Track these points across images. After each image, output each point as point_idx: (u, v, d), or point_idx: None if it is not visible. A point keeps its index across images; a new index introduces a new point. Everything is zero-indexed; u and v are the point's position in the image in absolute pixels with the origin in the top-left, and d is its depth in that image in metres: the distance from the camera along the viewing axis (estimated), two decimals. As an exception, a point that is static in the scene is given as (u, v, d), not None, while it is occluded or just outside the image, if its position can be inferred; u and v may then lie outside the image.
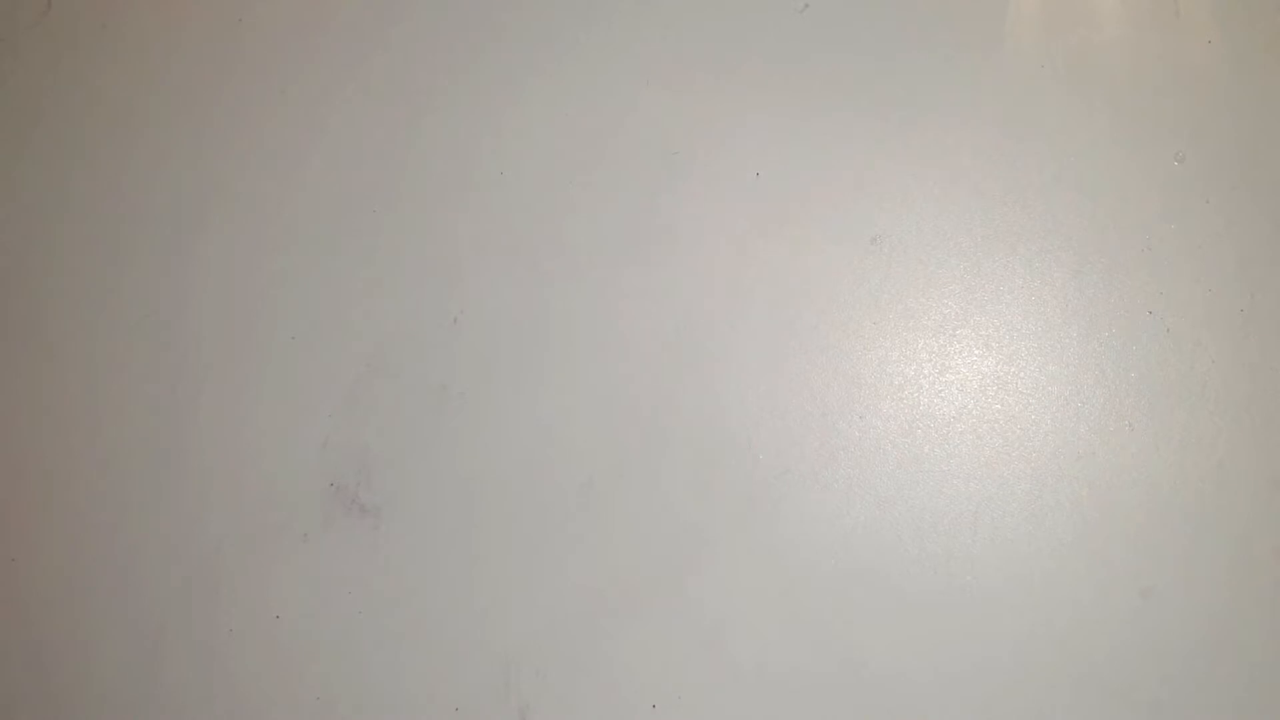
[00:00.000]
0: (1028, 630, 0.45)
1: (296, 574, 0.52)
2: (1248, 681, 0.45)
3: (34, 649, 0.55)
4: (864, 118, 0.47)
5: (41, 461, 0.55)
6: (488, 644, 0.51)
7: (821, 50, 0.48)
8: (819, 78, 0.48)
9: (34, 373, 0.55)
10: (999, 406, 0.46)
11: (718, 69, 0.48)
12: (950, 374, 0.47)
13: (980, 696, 0.45)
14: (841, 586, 0.46)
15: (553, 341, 0.50)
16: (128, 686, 0.54)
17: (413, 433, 0.51)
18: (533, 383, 0.50)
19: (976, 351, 0.47)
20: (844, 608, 0.46)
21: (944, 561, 0.45)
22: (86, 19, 0.54)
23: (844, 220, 0.47)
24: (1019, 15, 0.46)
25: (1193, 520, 0.46)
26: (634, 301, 0.49)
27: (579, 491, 0.49)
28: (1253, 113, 0.45)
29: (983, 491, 0.45)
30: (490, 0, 0.50)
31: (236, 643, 0.53)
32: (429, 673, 0.52)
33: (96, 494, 0.54)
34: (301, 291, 0.52)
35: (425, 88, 0.51)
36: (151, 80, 0.54)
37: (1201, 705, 0.46)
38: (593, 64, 0.49)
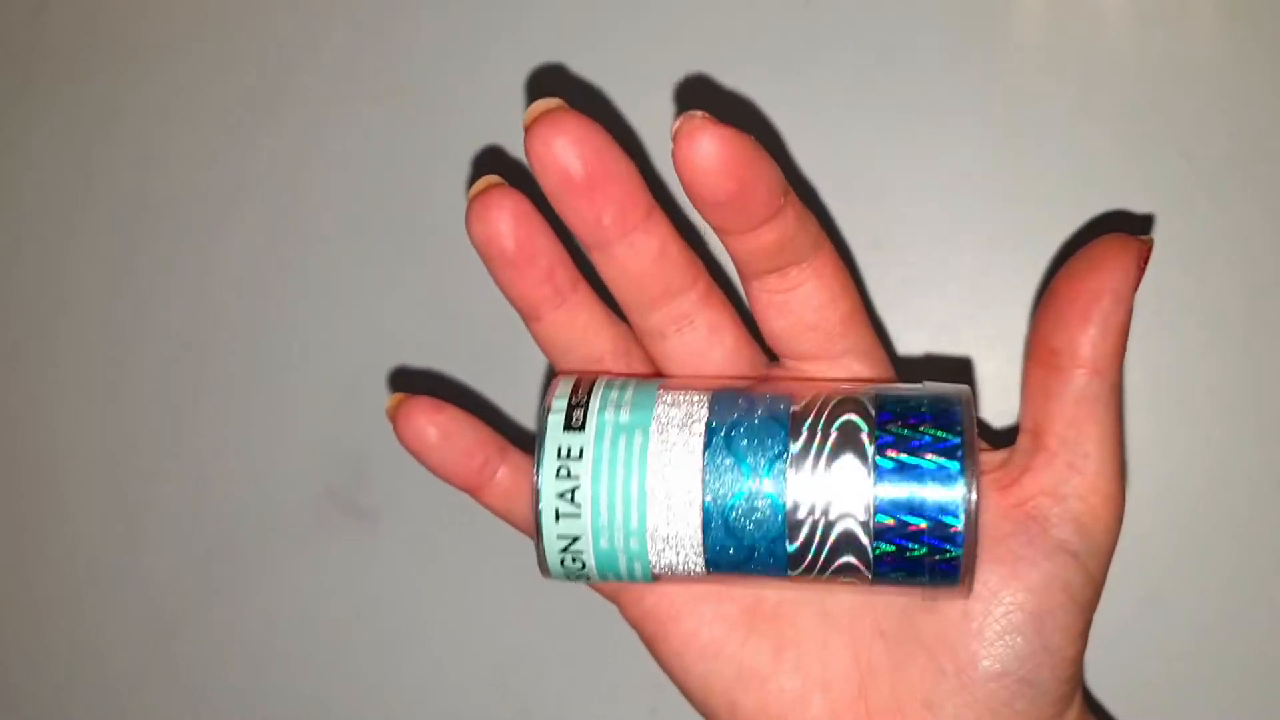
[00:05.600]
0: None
1: (291, 578, 0.52)
2: (1248, 685, 0.45)
3: (33, 647, 0.55)
4: (865, 116, 0.47)
5: (35, 469, 0.55)
6: (486, 647, 0.51)
7: (824, 47, 0.47)
8: (821, 75, 0.47)
9: (32, 373, 0.55)
10: (1002, 408, 0.46)
11: (717, 65, 0.48)
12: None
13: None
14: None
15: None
16: (116, 694, 0.54)
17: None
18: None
19: (980, 353, 0.46)
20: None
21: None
22: (85, 16, 0.54)
23: (845, 221, 0.47)
24: (1024, 11, 0.46)
25: (1196, 523, 0.46)
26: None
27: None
28: (1261, 110, 0.45)
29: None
30: (492, 1, 0.50)
31: (229, 648, 0.53)
32: (426, 676, 0.52)
33: (85, 500, 0.54)
34: (297, 292, 0.52)
35: (428, 89, 0.51)
36: (149, 80, 0.53)
37: (1202, 708, 0.46)
38: (593, 63, 0.49)
